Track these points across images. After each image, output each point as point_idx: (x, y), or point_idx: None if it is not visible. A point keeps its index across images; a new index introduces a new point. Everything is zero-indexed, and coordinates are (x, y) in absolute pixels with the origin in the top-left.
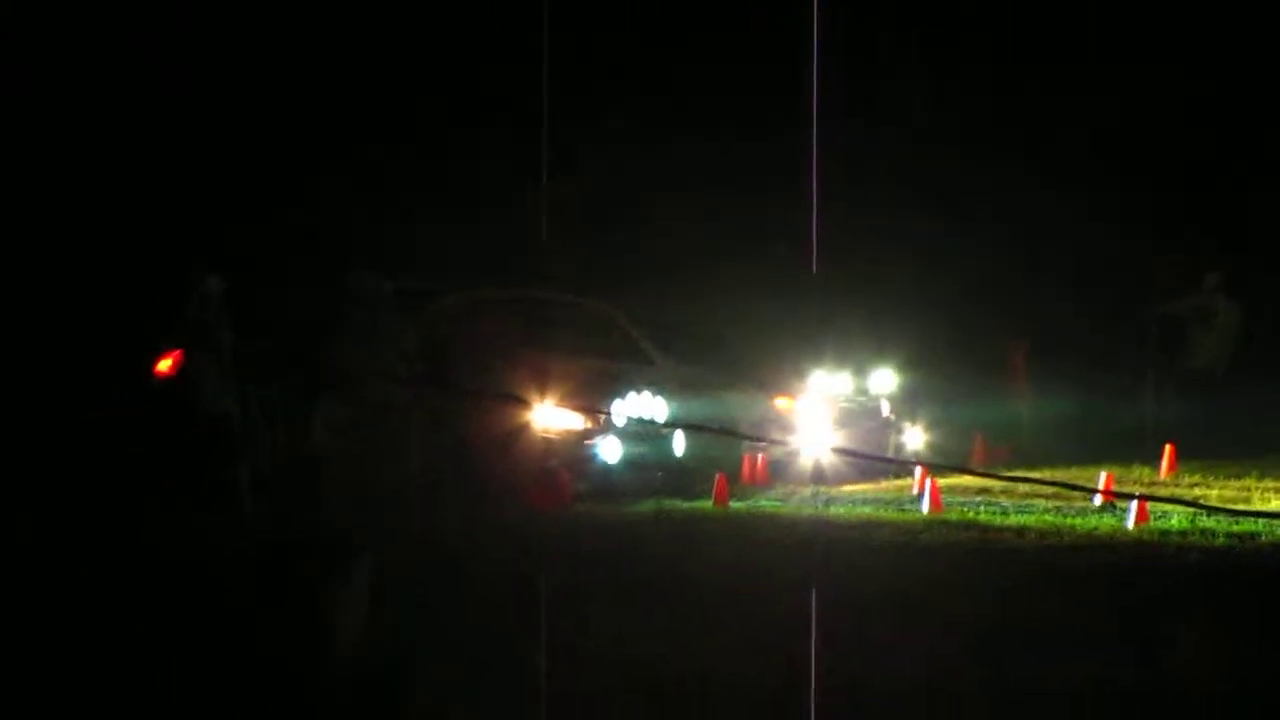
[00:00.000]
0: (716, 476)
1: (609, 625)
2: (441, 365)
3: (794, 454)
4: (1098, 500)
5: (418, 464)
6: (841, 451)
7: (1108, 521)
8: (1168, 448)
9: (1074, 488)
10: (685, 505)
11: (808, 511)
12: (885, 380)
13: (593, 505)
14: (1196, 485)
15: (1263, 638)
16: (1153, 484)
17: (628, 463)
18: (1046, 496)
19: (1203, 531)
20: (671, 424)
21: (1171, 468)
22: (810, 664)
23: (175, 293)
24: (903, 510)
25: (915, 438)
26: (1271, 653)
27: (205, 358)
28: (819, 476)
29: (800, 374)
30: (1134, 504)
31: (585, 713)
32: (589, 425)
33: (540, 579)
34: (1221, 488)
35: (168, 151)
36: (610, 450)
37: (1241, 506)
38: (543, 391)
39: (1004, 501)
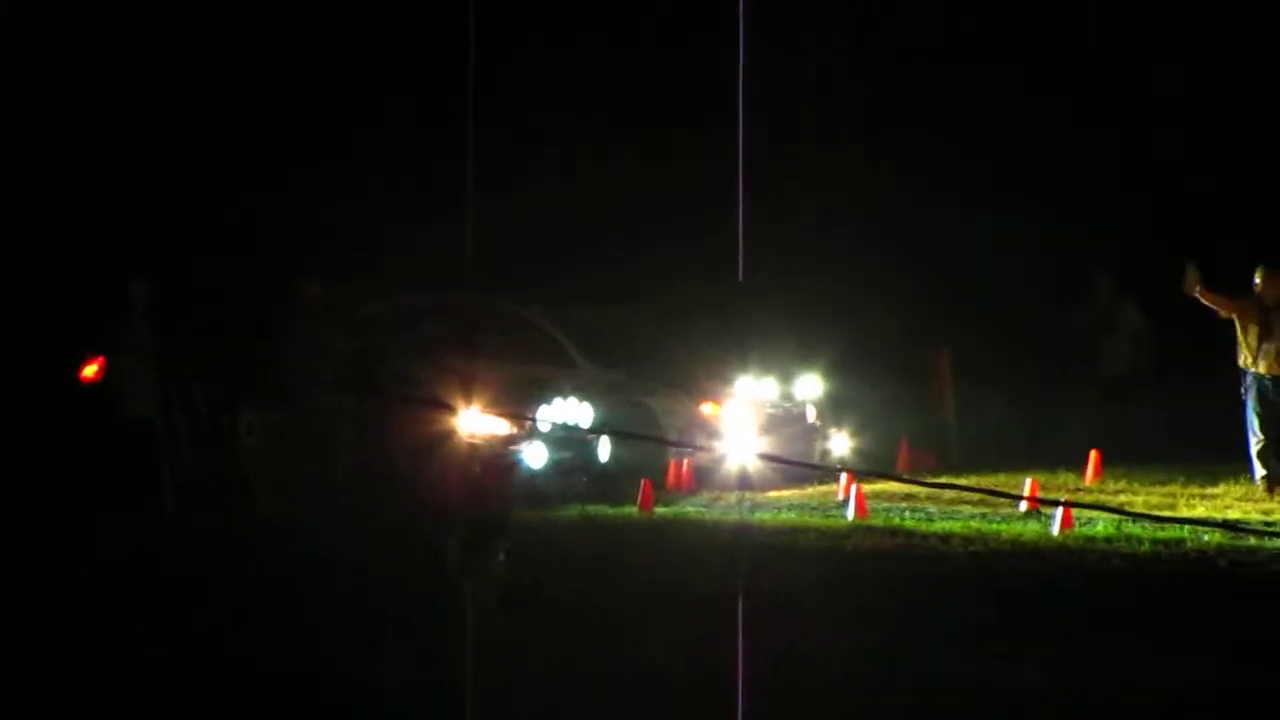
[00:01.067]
0: (642, 482)
1: (532, 628)
2: (370, 371)
3: (720, 459)
4: (1023, 507)
5: (342, 469)
6: (767, 457)
7: (1033, 528)
8: (1093, 454)
9: (999, 494)
10: (610, 510)
11: (733, 517)
12: (811, 386)
13: (517, 510)
14: (1122, 492)
15: (1183, 644)
16: (1078, 490)
17: (553, 468)
18: (972, 503)
19: (1128, 538)
20: (596, 429)
21: (1097, 474)
22: (736, 667)
23: (99, 298)
24: (828, 516)
25: (841, 443)
26: (1192, 659)
27: (128, 362)
28: (745, 482)
29: (726, 379)
30: (1059, 510)
31: (509, 714)
32: (514, 430)
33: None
34: (1147, 494)
35: (100, 153)
36: (535, 455)
37: (1167, 513)
38: (468, 397)
39: (930, 508)
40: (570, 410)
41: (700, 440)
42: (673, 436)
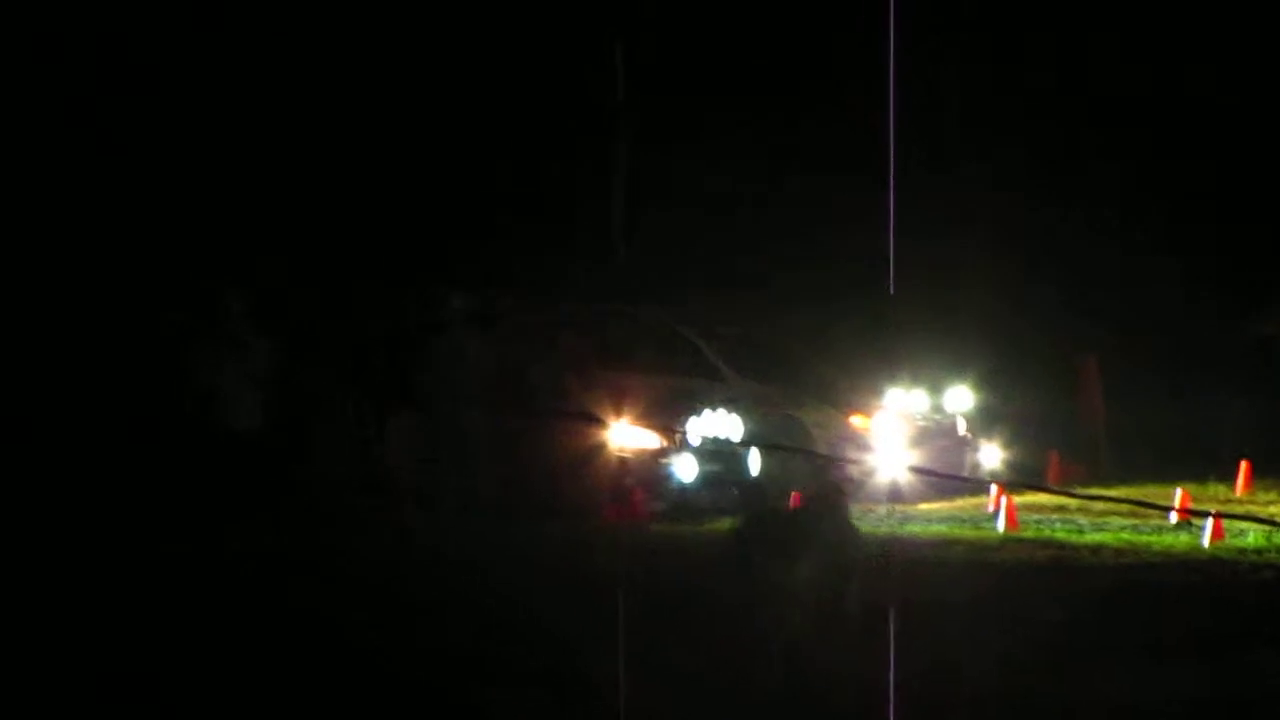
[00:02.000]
0: (791, 494)
1: (687, 643)
2: (518, 384)
3: (870, 472)
4: (1174, 518)
5: (487, 484)
6: (917, 470)
7: (1184, 539)
8: (1243, 465)
9: (1149, 505)
10: None
11: (884, 530)
12: (961, 398)
13: (668, 524)
14: (1273, 503)
15: None
16: (1229, 501)
17: (703, 481)
18: (1123, 514)
19: (1279, 549)
20: (746, 442)
21: (1248, 485)
22: (889, 679)
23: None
24: (979, 528)
25: (991, 455)
26: None
27: (234, 372)
28: (895, 494)
29: (876, 392)
30: (1209, 521)
31: None
32: (664, 444)
33: (618, 595)
34: None
35: (232, 166)
36: (685, 469)
37: None
38: (618, 410)
39: (1080, 519)
40: (719, 423)
41: (850, 453)
42: (822, 449)
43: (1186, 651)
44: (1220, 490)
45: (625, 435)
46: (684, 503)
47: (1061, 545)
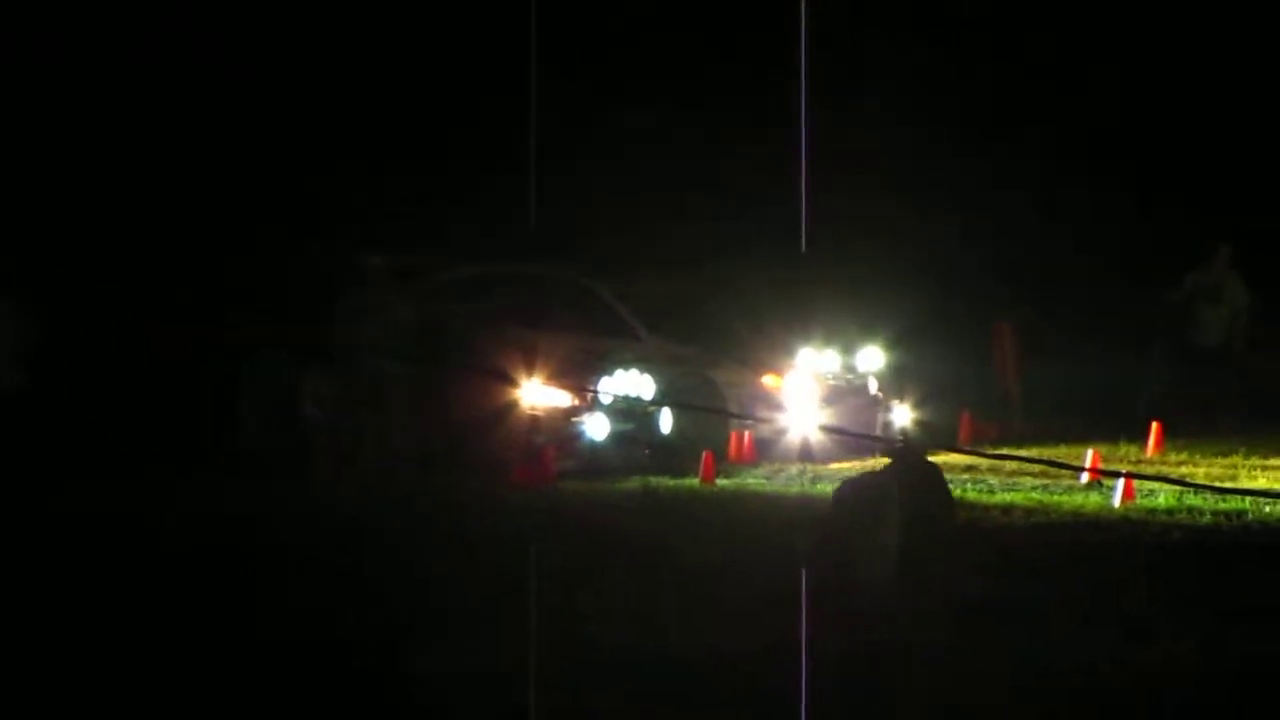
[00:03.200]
0: (703, 454)
1: (596, 599)
2: (433, 341)
3: (781, 432)
4: (1084, 478)
5: (404, 439)
6: (828, 429)
7: (1094, 500)
8: (1154, 425)
9: (1060, 465)
10: (672, 482)
11: (794, 489)
12: (873, 358)
13: (579, 482)
14: (1183, 464)
15: (1249, 617)
16: (1139, 462)
17: (614, 440)
18: (1033, 475)
19: (1189, 510)
20: (658, 401)
21: (1158, 446)
22: (799, 636)
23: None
24: None
25: (903, 415)
26: (1260, 633)
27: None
28: (807, 454)
29: (788, 351)
30: (1120, 482)
31: (577, 685)
32: (576, 402)
33: (529, 552)
34: (1209, 466)
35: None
36: (597, 427)
37: (1228, 485)
38: (530, 369)
39: (991, 480)
40: (632, 382)
41: (762, 412)
42: (734, 408)
43: (1106, 615)
44: (1131, 451)
45: (537, 393)
46: (595, 461)
47: (972, 505)
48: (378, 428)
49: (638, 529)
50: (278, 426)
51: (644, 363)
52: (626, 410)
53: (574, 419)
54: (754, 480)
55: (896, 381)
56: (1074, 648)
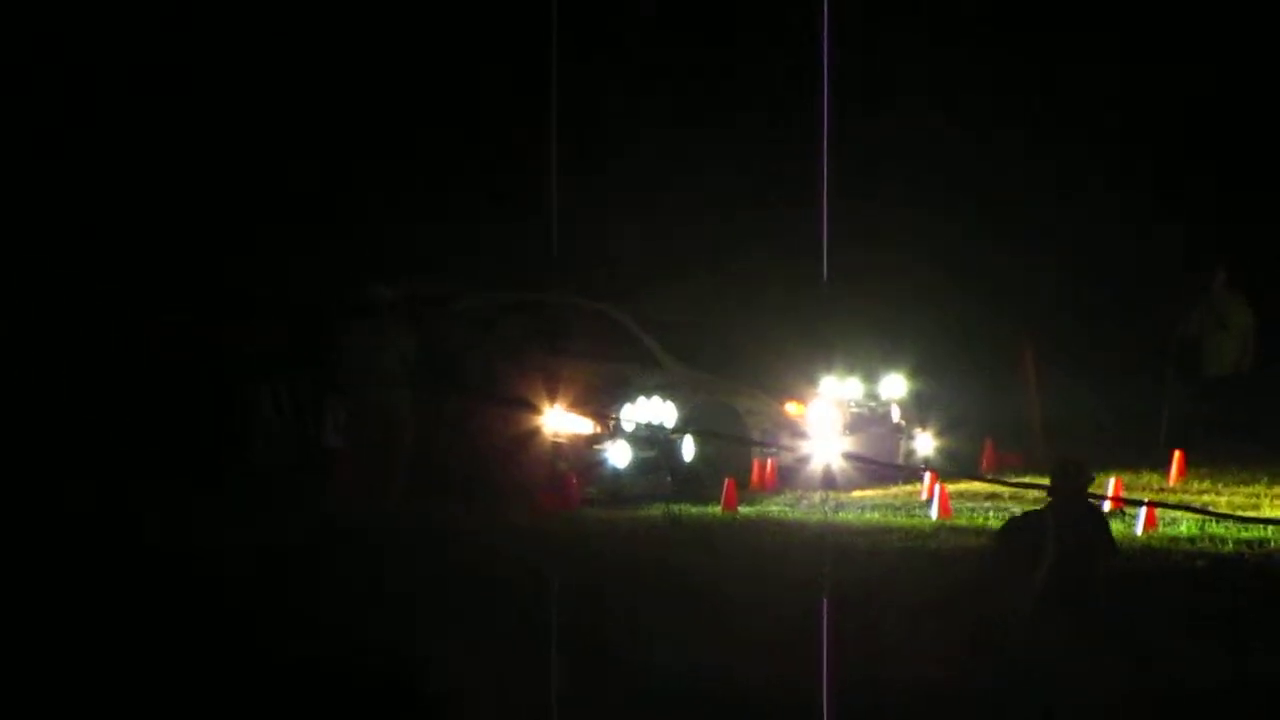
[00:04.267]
0: (725, 481)
1: (619, 626)
2: (454, 369)
3: (804, 459)
4: (1107, 506)
5: (424, 466)
6: (851, 457)
7: (1117, 528)
8: (1176, 454)
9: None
10: (694, 510)
11: (816, 517)
12: (895, 386)
13: (602, 509)
14: (1205, 492)
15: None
16: (1162, 490)
17: (636, 467)
18: None
19: (1211, 538)
20: (680, 429)
21: (1180, 474)
22: (820, 666)
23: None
24: (912, 515)
25: (926, 443)
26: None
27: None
28: (829, 482)
29: (810, 379)
30: (1142, 510)
31: (598, 713)
32: (598, 430)
33: (551, 581)
34: (1231, 494)
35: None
36: (619, 455)
37: (1251, 513)
38: (552, 396)
39: (1014, 508)
40: (654, 410)
41: (784, 440)
42: (757, 436)
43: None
44: (1154, 479)
45: (559, 420)
46: (617, 489)
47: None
48: (397, 455)
49: (660, 557)
50: (299, 449)
51: (667, 390)
52: (648, 438)
53: (596, 446)
54: (775, 508)
55: (919, 409)
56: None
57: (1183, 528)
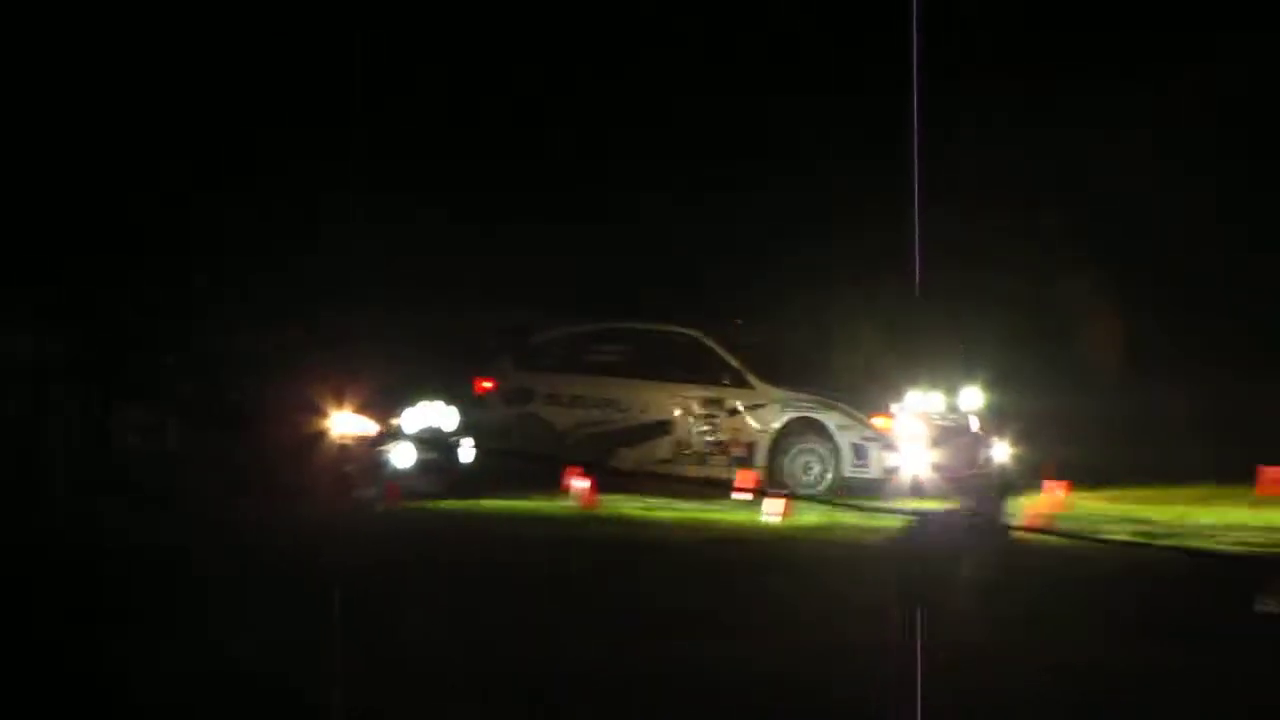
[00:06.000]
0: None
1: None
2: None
3: (893, 471)
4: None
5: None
6: (940, 469)
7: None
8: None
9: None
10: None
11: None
12: (973, 398)
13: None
14: None
15: None
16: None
17: (419, 468)
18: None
19: None
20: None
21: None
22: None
23: None
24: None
25: (1002, 452)
26: None
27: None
28: (918, 493)
29: (897, 394)
30: None
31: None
32: (381, 432)
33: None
34: None
35: None
36: (401, 456)
37: None
38: (339, 402)
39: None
40: (434, 415)
41: (875, 453)
42: (846, 451)
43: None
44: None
45: (345, 424)
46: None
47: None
48: (184, 457)
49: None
50: (88, 455)
51: (757, 409)
52: (430, 440)
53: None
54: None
55: (996, 420)
56: None
57: None
